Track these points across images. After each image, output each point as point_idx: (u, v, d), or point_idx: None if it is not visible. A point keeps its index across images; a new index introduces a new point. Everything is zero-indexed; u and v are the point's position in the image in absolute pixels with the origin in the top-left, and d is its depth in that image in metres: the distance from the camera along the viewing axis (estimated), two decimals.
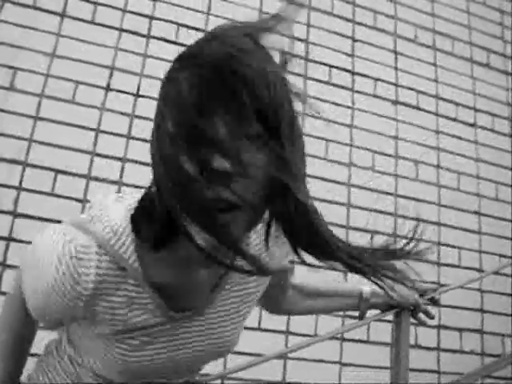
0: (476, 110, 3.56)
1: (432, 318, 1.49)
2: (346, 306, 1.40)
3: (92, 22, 2.75)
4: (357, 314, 1.44)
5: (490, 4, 3.84)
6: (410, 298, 1.43)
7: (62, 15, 2.70)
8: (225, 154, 0.66)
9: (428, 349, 3.00)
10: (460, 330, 3.11)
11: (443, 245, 3.20)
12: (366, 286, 1.39)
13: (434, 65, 3.50)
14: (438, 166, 3.32)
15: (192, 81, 0.68)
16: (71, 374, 1.04)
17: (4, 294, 2.21)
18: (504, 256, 3.32)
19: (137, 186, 2.62)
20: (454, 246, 3.23)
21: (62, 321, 0.94)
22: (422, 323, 1.50)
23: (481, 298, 3.20)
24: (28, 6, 2.64)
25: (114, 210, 0.89)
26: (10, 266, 2.37)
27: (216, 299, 0.98)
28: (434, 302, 1.56)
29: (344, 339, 2.83)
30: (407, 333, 1.37)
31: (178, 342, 0.96)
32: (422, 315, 1.47)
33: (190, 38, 2.86)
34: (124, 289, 0.86)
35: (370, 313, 1.56)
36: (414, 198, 3.18)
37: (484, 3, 3.82)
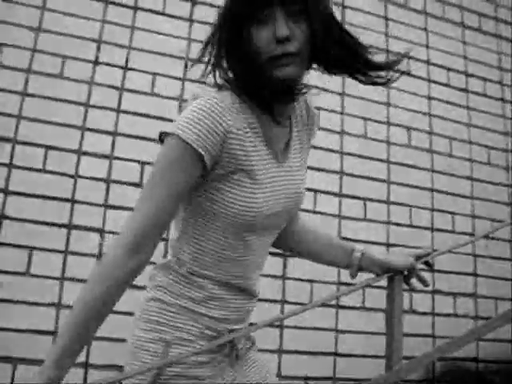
0: (467, 75, 3.54)
1: (427, 285, 1.50)
2: (338, 258, 1.44)
3: None
4: (351, 281, 1.46)
5: None
6: (403, 260, 1.43)
7: None
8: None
9: (423, 314, 3.04)
10: (454, 294, 3.14)
11: (436, 210, 3.22)
12: (358, 245, 1.44)
13: (425, 29, 3.47)
14: (430, 132, 3.31)
15: None
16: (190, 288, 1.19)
17: None
18: (496, 220, 3.34)
19: (128, 160, 2.61)
20: (447, 212, 3.24)
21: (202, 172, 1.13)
22: (414, 289, 1.51)
23: (474, 262, 3.23)
24: None
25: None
26: (2, 244, 2.37)
27: (290, 148, 1.28)
28: (429, 265, 1.56)
29: (339, 306, 2.85)
30: (400, 298, 1.37)
31: (281, 183, 1.23)
32: (414, 280, 1.48)
33: (178, 8, 2.84)
34: (239, 117, 1.15)
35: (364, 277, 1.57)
36: (406, 164, 3.18)
37: None
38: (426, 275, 1.57)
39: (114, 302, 1.05)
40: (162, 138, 1.14)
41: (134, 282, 1.06)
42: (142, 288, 1.24)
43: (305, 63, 1.16)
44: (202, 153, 1.08)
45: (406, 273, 1.45)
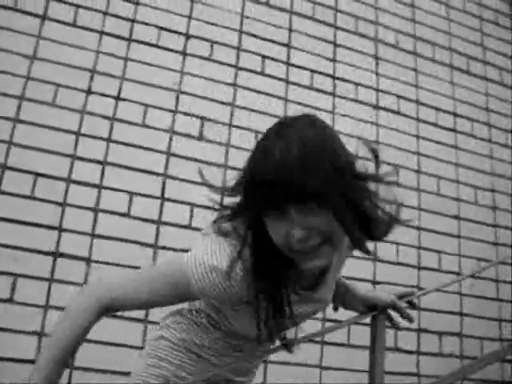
0: (456, 115, 3.59)
1: (411, 321, 1.51)
2: None
3: (73, 25, 2.74)
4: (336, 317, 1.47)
5: (469, 11, 3.88)
6: (385, 297, 1.47)
7: (43, 17, 2.68)
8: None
9: (408, 352, 3.02)
10: (439, 333, 3.13)
11: (423, 249, 3.22)
12: (341, 280, 1.45)
13: (415, 70, 3.53)
14: (418, 171, 3.34)
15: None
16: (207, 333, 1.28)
17: None
18: (483, 259, 3.35)
19: (116, 190, 2.62)
20: (433, 250, 3.25)
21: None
22: (398, 326, 1.52)
23: (460, 301, 3.22)
24: (8, 8, 2.63)
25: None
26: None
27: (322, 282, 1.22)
28: (412, 305, 1.57)
29: (324, 342, 2.84)
30: (383, 336, 1.37)
31: (302, 309, 1.21)
32: (398, 318, 1.49)
33: (172, 42, 2.88)
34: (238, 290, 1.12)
35: (349, 315, 1.57)
36: (398, 184, 3.19)
37: (464, 10, 3.86)
38: (413, 313, 1.58)
39: (78, 339, 1.13)
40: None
41: None
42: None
43: (336, 246, 1.05)
44: (197, 294, 1.13)
45: (389, 311, 1.46)
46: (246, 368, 1.36)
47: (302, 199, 0.97)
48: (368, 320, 1.46)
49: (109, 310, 1.15)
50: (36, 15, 2.67)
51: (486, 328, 3.28)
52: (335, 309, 1.52)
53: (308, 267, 1.05)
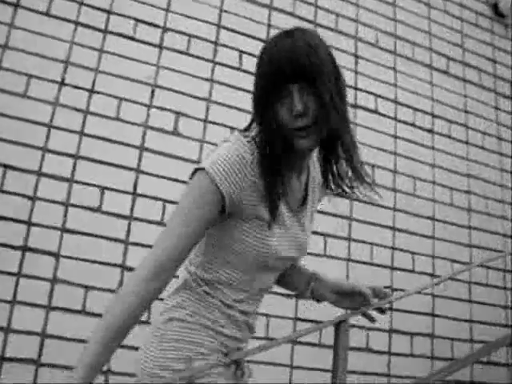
0: (434, 116, 3.59)
1: (383, 312, 1.57)
2: (298, 285, 1.55)
3: (47, 14, 2.68)
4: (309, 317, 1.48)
5: (450, 12, 3.88)
6: (355, 285, 1.52)
7: (16, 5, 2.62)
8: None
9: (379, 352, 3.02)
10: (411, 334, 3.14)
11: (397, 249, 3.22)
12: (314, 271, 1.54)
13: (394, 69, 3.52)
14: (394, 171, 3.34)
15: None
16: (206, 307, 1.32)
17: None
18: (456, 261, 3.37)
19: (88, 184, 2.57)
20: (407, 251, 3.25)
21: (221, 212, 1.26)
22: (372, 318, 1.58)
23: (432, 302, 3.23)
24: None
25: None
26: None
27: (306, 204, 1.42)
28: (382, 311, 1.58)
29: (297, 342, 2.83)
30: (346, 343, 1.37)
31: (292, 233, 1.36)
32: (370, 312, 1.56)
33: (148, 34, 2.84)
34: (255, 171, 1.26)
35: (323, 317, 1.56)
36: (369, 203, 3.19)
37: (445, 11, 3.86)
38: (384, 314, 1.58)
39: (132, 322, 1.15)
40: (194, 171, 1.27)
41: None
42: None
43: (321, 131, 1.28)
44: (225, 195, 1.22)
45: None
46: (250, 323, 1.40)
47: (303, 77, 1.23)
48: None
49: (155, 279, 1.17)
50: (9, 3, 2.61)
51: (458, 329, 3.29)
52: (300, 295, 1.57)
53: (301, 146, 1.26)
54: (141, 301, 1.15)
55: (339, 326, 1.37)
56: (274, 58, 1.25)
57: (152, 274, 1.17)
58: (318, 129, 1.26)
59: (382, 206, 3.21)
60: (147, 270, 1.17)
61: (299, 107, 1.22)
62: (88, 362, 1.09)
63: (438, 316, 3.24)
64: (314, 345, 2.86)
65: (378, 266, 3.15)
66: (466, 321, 3.34)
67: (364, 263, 3.11)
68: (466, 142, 3.67)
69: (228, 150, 1.24)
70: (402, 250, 3.24)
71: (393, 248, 3.21)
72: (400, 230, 3.26)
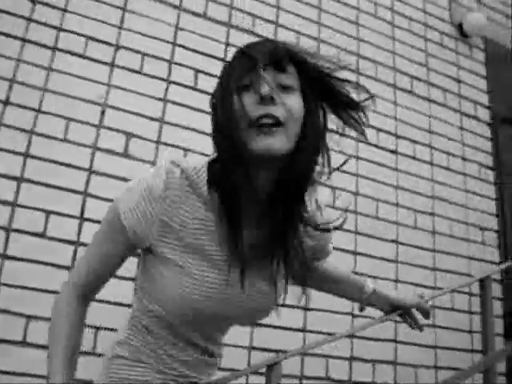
0: (398, 137, 3.53)
1: (428, 318, 1.59)
2: (349, 294, 1.53)
3: None
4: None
5: (415, 31, 3.84)
6: (412, 300, 1.56)
7: None
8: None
9: (339, 382, 2.92)
10: (373, 361, 3.05)
11: (358, 274, 3.13)
12: (369, 283, 1.52)
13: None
14: (356, 193, 3.26)
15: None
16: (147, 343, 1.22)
17: None
18: (420, 286, 3.29)
19: (32, 208, 2.46)
20: (370, 276, 3.16)
21: (137, 241, 1.12)
22: (420, 326, 1.60)
23: (394, 328, 3.14)
24: None
25: (193, 160, 1.15)
26: None
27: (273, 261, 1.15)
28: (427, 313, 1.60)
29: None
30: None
31: (229, 281, 1.11)
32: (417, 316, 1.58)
33: (100, 52, 2.74)
34: (191, 204, 1.09)
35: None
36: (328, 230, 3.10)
37: (409, 30, 3.81)
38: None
39: (73, 328, 1.15)
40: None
41: None
42: None
43: (290, 140, 1.04)
44: (126, 227, 1.10)
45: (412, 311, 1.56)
46: (203, 360, 1.27)
47: (273, 60, 1.05)
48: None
49: (86, 296, 1.19)
50: None
51: (421, 356, 3.21)
52: (361, 309, 1.55)
53: (261, 147, 1.01)
54: (73, 321, 1.16)
55: (272, 368, 1.27)
56: (247, 47, 1.09)
57: (73, 298, 1.17)
58: (290, 135, 1.04)
59: (343, 230, 3.11)
60: (68, 295, 1.17)
61: (268, 89, 1.01)
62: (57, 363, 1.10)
63: (400, 342, 3.15)
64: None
65: None
66: (430, 347, 3.25)
67: None
68: (431, 163, 3.61)
69: (139, 181, 1.11)
70: (364, 274, 3.15)
71: (355, 273, 3.12)
72: (362, 254, 3.17)
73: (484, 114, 3.97)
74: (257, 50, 1.06)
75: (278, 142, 1.01)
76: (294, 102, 1.05)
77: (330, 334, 2.30)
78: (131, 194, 1.10)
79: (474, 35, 4.01)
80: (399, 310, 1.55)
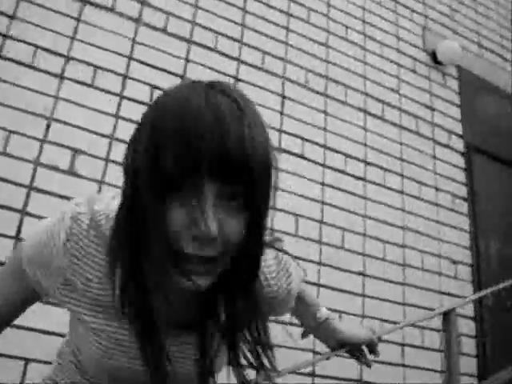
0: (367, 164, 3.37)
1: (375, 354, 1.48)
2: (306, 320, 1.38)
3: None
4: None
5: (387, 57, 3.72)
6: (365, 336, 1.43)
7: None
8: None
9: None
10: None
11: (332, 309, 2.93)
12: (324, 311, 1.39)
13: (325, 112, 3.30)
14: (321, 221, 3.08)
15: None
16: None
17: None
18: (387, 321, 3.09)
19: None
20: (335, 310, 2.96)
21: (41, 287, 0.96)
22: (368, 363, 1.47)
23: (359, 367, 2.92)
24: None
25: (112, 203, 0.94)
26: None
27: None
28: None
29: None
30: None
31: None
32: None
33: (49, 63, 2.56)
34: (97, 262, 0.90)
35: None
36: (296, 257, 2.91)
37: (381, 55, 3.70)
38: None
39: None
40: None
41: None
42: None
43: (226, 263, 0.81)
44: (30, 275, 0.95)
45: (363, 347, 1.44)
46: None
47: (229, 176, 0.74)
48: None
49: None
50: None
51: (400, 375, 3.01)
52: (303, 335, 1.41)
53: (187, 285, 0.79)
54: None
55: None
56: (183, 128, 0.75)
57: None
58: (226, 262, 0.81)
59: (306, 260, 2.92)
60: None
61: (212, 228, 0.74)
62: None
63: (366, 383, 2.94)
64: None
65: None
66: (397, 365, 3.04)
67: (291, 324, 2.81)
68: (402, 192, 3.45)
69: (46, 225, 0.93)
70: (329, 309, 2.94)
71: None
72: (325, 287, 2.97)
73: (457, 143, 3.85)
74: (202, 148, 0.73)
75: (210, 280, 0.81)
76: (236, 228, 0.78)
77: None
78: (34, 240, 0.94)
79: (448, 63, 3.91)
80: (347, 346, 1.42)
